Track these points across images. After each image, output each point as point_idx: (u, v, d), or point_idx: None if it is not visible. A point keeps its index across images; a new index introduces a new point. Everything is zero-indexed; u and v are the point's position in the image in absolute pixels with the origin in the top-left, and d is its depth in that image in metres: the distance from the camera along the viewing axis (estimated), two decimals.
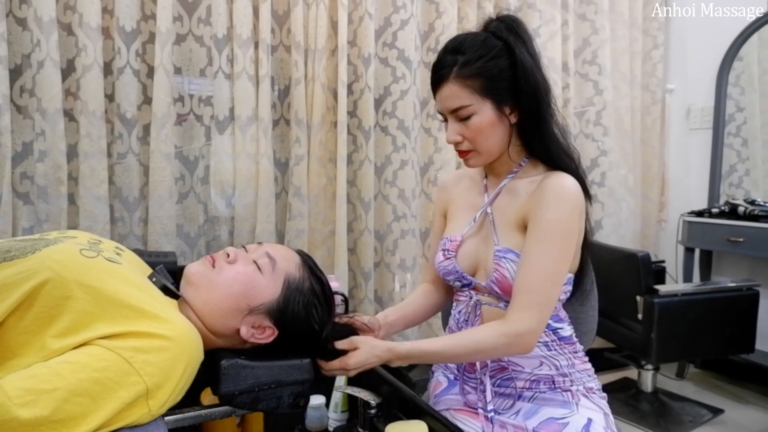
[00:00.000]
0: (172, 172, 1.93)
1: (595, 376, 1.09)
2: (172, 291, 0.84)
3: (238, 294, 0.85)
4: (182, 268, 0.90)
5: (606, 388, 2.44)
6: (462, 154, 1.03)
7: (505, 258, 0.99)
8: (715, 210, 2.54)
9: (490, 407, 1.02)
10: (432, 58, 2.33)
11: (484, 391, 1.03)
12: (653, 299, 2.09)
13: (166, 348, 0.69)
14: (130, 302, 0.71)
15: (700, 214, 2.60)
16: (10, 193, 1.73)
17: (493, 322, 0.97)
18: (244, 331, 0.85)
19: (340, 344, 0.93)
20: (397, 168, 2.26)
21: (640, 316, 2.13)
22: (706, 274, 2.76)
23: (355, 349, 0.93)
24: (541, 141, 1.01)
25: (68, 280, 0.69)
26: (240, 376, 0.83)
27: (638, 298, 2.13)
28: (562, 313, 1.08)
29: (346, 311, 1.30)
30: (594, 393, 1.05)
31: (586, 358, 1.09)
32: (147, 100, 1.92)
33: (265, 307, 0.86)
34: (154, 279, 0.83)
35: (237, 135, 2.02)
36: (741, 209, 2.43)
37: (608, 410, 1.04)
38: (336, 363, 0.92)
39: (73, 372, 0.63)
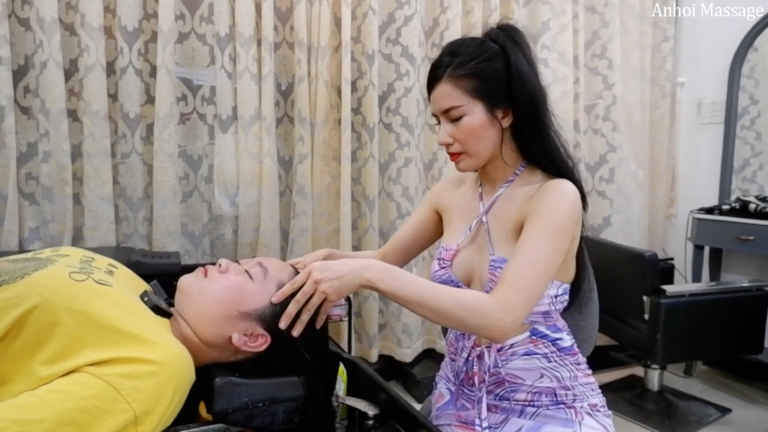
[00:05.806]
0: (175, 171, 1.94)
1: (599, 390, 1.07)
2: (163, 310, 0.84)
3: (228, 300, 0.85)
4: (184, 270, 0.91)
5: (612, 385, 2.44)
6: (453, 156, 1.02)
7: (500, 268, 0.97)
8: (725, 207, 2.50)
9: (485, 424, 1.01)
10: (436, 54, 2.30)
11: (480, 405, 1.03)
12: (660, 299, 2.06)
13: (154, 373, 0.69)
14: (118, 326, 0.71)
15: (710, 211, 2.56)
16: (15, 193, 1.75)
17: (481, 293, 0.93)
18: (236, 339, 0.85)
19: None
20: (401, 165, 2.24)
21: (646, 316, 2.10)
22: (715, 272, 2.72)
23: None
24: (540, 144, 0.99)
25: (56, 306, 0.69)
26: (234, 394, 0.83)
27: (645, 298, 2.10)
28: (561, 323, 1.06)
29: (350, 311, 1.30)
30: (598, 410, 1.02)
31: (590, 371, 1.07)
32: (150, 100, 1.92)
33: (257, 314, 0.86)
34: (145, 299, 0.83)
35: (240, 134, 2.01)
36: (752, 206, 2.39)
37: (612, 429, 1.02)
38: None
39: (60, 401, 0.63)
